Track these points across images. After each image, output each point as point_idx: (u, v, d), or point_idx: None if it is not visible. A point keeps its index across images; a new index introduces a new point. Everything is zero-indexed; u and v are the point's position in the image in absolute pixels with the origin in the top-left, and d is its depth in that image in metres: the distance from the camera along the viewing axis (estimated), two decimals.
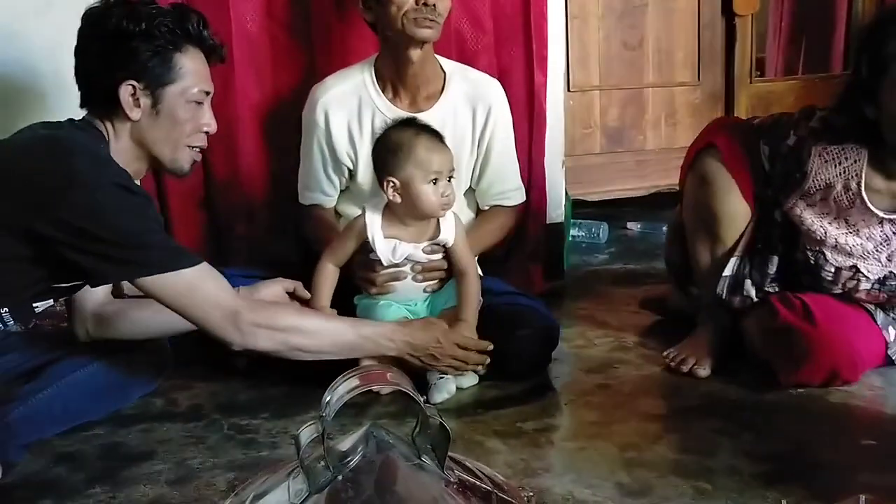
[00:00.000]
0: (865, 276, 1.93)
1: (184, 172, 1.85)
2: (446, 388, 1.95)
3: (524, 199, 2.46)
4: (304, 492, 1.02)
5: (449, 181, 1.98)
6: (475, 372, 2.02)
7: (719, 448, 1.71)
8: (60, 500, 1.55)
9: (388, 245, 2.00)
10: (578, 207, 3.42)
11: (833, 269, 1.93)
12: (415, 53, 2.16)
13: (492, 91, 2.34)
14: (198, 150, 1.84)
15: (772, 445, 1.70)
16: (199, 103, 1.80)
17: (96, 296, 1.94)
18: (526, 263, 2.70)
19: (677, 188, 2.32)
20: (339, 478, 1.02)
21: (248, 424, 1.86)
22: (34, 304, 1.75)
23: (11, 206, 1.58)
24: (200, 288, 1.67)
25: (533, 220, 2.69)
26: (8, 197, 1.59)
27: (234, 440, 1.79)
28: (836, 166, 1.85)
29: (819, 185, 1.87)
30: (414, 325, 1.94)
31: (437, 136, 1.99)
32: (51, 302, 1.78)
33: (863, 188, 1.86)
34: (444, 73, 2.29)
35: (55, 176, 1.58)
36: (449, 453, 1.09)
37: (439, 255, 2.05)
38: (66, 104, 1.81)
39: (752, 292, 2.08)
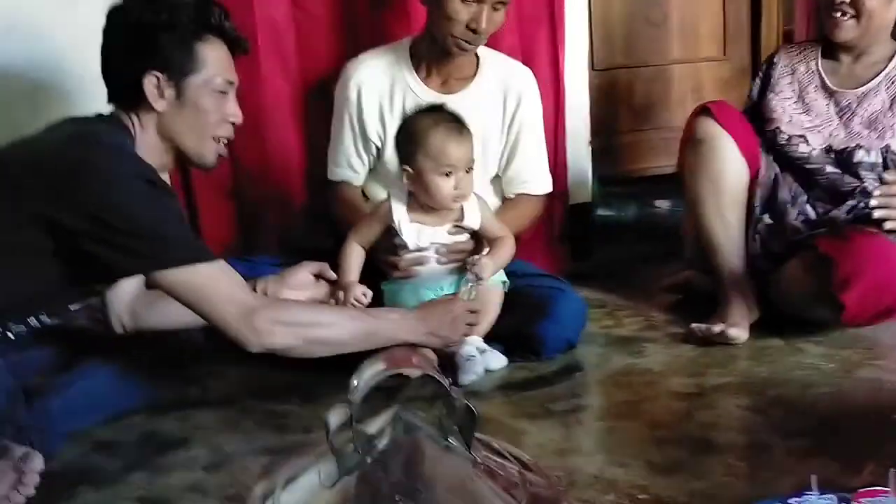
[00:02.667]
0: (810, 144, 2.25)
1: (209, 166, 1.85)
2: (474, 370, 1.95)
3: (550, 189, 2.44)
4: (335, 475, 1.04)
5: (468, 172, 1.98)
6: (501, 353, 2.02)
7: (749, 425, 1.71)
8: (98, 487, 1.58)
9: (414, 229, 2.00)
10: (605, 186, 3.40)
11: (787, 136, 2.26)
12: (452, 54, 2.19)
13: (524, 79, 2.34)
14: (224, 142, 1.84)
15: (802, 421, 1.69)
16: (224, 93, 1.80)
17: (130, 288, 1.96)
18: (552, 244, 2.70)
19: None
20: (368, 460, 1.04)
21: (280, 410, 1.88)
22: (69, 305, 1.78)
23: (38, 198, 1.60)
24: (216, 284, 1.66)
25: (559, 200, 2.69)
26: (35, 190, 1.61)
27: (268, 425, 1.81)
28: (797, 54, 2.37)
29: (785, 72, 2.34)
30: (422, 308, 1.94)
31: (458, 126, 1.97)
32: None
33: (819, 66, 2.32)
34: (478, 57, 2.29)
35: (76, 167, 1.60)
36: (476, 434, 1.10)
37: (464, 237, 2.05)
38: (92, 101, 1.82)
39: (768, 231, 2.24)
